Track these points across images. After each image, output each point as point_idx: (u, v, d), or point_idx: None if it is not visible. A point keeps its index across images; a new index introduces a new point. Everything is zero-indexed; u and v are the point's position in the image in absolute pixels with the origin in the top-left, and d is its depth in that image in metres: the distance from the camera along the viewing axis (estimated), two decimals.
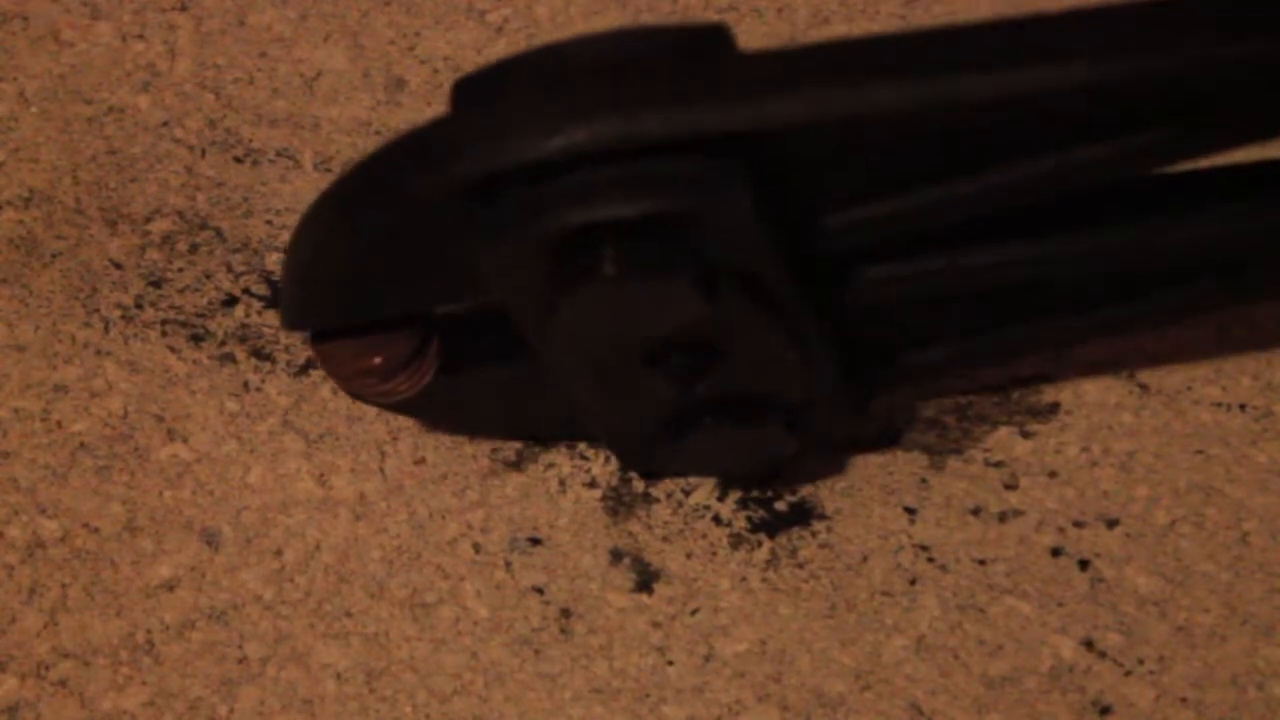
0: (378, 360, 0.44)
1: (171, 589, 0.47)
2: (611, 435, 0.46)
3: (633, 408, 0.44)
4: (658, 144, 0.38)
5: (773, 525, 0.48)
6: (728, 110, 0.38)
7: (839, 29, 0.56)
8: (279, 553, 0.47)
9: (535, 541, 0.47)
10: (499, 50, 0.57)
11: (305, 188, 0.54)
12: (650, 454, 0.46)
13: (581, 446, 0.49)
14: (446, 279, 0.42)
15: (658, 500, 0.48)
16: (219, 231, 0.53)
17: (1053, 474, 0.48)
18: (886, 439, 0.49)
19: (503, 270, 0.40)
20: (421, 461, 0.49)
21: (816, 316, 0.42)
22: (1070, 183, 0.41)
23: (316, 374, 0.50)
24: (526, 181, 0.38)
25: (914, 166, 0.40)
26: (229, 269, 0.52)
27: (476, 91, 0.40)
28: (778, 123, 0.38)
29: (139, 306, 0.51)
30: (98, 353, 0.50)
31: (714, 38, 0.40)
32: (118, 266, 0.52)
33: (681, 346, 0.42)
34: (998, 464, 0.49)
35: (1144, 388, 0.50)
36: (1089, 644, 0.46)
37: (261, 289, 0.52)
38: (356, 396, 0.47)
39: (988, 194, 0.40)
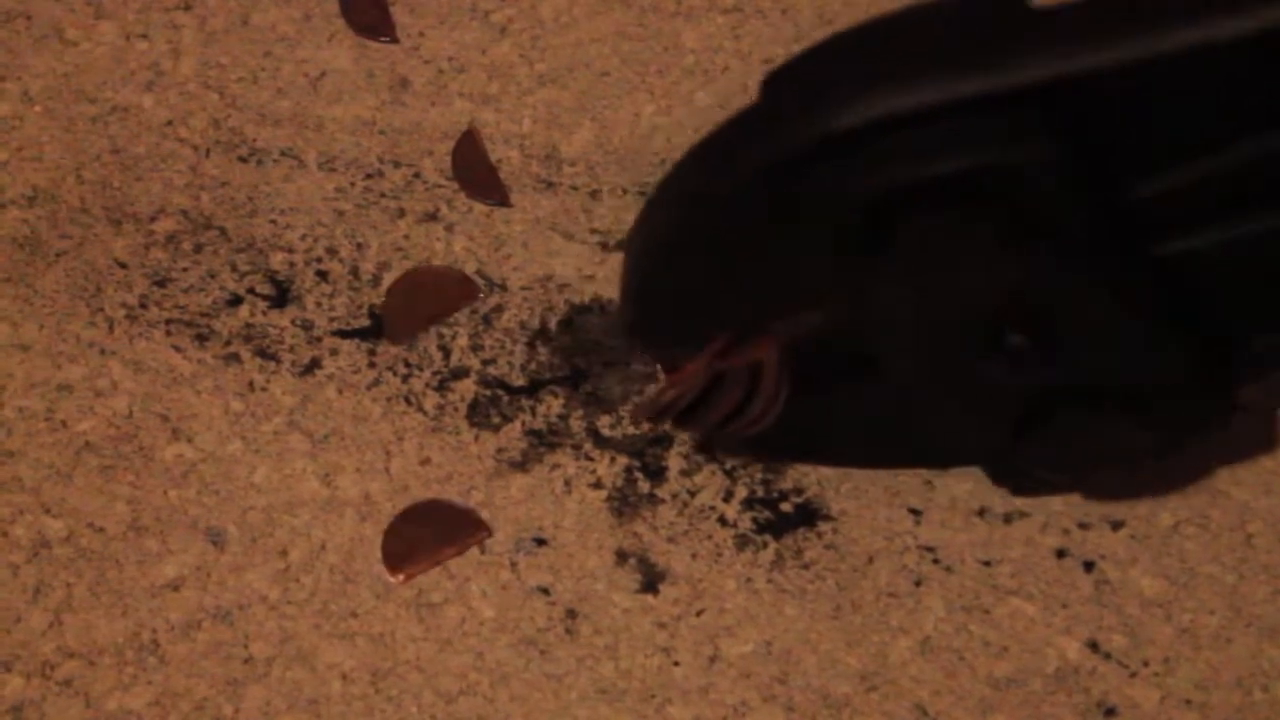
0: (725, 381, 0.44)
1: (177, 589, 0.46)
2: (967, 450, 0.45)
3: (983, 408, 0.43)
4: (962, 106, 0.38)
5: (778, 526, 0.48)
6: (1028, 66, 0.38)
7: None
8: (284, 553, 0.47)
9: (541, 542, 0.47)
10: (503, 50, 0.56)
11: (309, 187, 0.54)
12: (1011, 466, 0.45)
13: (587, 446, 0.49)
14: (773, 280, 0.42)
15: (663, 501, 0.48)
16: (223, 231, 0.53)
17: None
18: None
19: (817, 243, 0.39)
20: (427, 462, 0.49)
21: (1150, 288, 0.41)
22: None
23: (321, 374, 0.50)
24: (835, 153, 0.38)
25: (1219, 123, 0.39)
26: (233, 268, 0.52)
27: (788, 78, 0.40)
28: (1076, 73, 0.38)
29: (143, 306, 0.51)
30: (102, 352, 0.50)
31: None
32: (122, 266, 0.52)
33: (1015, 324, 0.41)
34: None
35: None
36: (1094, 645, 0.46)
37: (266, 288, 0.52)
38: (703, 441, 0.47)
39: None
